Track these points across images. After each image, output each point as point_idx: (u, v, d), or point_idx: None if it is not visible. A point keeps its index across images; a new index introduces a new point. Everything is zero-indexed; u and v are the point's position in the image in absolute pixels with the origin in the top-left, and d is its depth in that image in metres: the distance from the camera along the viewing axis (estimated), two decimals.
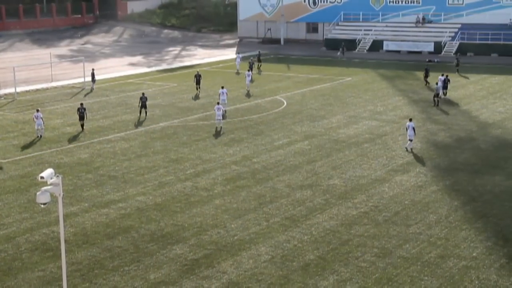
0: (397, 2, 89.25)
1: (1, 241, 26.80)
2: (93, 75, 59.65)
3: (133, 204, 30.75)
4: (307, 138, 42.32)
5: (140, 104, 48.88)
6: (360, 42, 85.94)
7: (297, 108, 51.25)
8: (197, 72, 61.24)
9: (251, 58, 73.46)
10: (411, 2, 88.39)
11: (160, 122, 47.11)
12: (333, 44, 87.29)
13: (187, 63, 79.46)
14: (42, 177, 17.34)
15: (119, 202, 31.03)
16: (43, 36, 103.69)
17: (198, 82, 59.07)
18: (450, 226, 27.88)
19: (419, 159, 37.48)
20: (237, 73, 69.74)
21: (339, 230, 27.58)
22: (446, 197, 31.43)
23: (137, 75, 69.65)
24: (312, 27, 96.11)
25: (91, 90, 59.43)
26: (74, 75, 67.38)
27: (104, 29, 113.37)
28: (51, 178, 17.52)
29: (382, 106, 51.63)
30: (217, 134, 43.49)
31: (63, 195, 18.88)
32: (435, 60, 75.42)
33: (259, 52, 74.75)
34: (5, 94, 58.29)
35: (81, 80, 62.91)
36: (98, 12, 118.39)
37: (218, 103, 45.80)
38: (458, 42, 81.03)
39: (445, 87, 54.34)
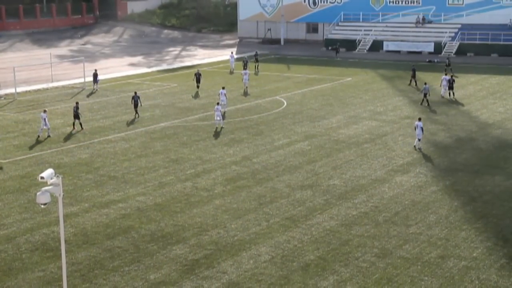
0: (397, 2, 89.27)
1: (1, 241, 26.80)
2: (95, 76, 59.53)
3: (133, 204, 30.76)
4: (307, 138, 42.33)
5: (133, 103, 49.22)
6: (360, 42, 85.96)
7: (297, 108, 51.26)
8: (198, 70, 61.85)
9: (245, 57, 73.58)
10: (411, 3, 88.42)
11: (160, 122, 47.12)
12: (333, 45, 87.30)
13: (187, 63, 79.47)
14: (42, 177, 17.34)
15: (119, 202, 31.03)
16: (43, 36, 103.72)
17: (198, 81, 59.72)
18: (450, 226, 27.89)
19: (419, 160, 37.49)
20: (231, 72, 70.12)
21: (339, 230, 27.59)
22: (446, 197, 31.43)
23: (137, 75, 69.66)
24: (312, 27, 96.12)
25: (95, 90, 59.34)
26: (74, 76, 67.40)
27: (104, 29, 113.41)
28: (51, 178, 17.52)
29: (382, 107, 51.64)
30: (217, 134, 43.50)
31: (63, 195, 18.89)
32: (435, 61, 75.42)
33: (256, 52, 74.59)
34: (5, 94, 58.30)
35: (81, 80, 62.91)
36: (98, 12, 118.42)
37: (218, 104, 45.85)
38: (458, 43, 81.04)
39: (450, 87, 54.36)
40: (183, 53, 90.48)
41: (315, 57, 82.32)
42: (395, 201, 30.91)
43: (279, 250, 25.72)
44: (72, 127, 44.87)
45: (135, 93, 50.03)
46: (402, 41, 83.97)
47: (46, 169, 20.16)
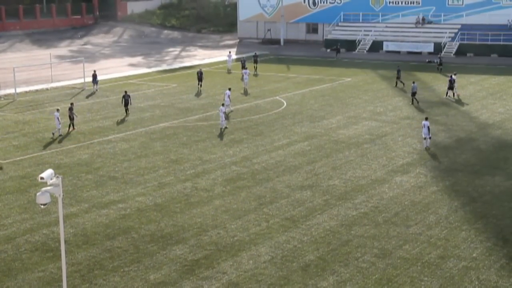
0: (397, 2, 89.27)
1: (1, 241, 26.80)
2: (94, 76, 59.52)
3: (133, 205, 30.76)
4: (307, 138, 42.33)
5: (123, 102, 49.59)
6: (360, 42, 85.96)
7: (297, 109, 51.27)
8: (200, 69, 62.35)
9: (243, 57, 73.60)
10: (411, 3, 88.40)
11: (160, 123, 47.13)
12: (333, 45, 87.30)
13: (187, 63, 79.47)
14: (42, 178, 17.35)
15: (119, 203, 31.03)
16: (43, 37, 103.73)
17: (200, 79, 60.36)
18: (450, 226, 27.89)
19: (419, 160, 37.49)
20: (228, 71, 70.44)
21: (339, 230, 27.59)
22: (446, 197, 31.44)
23: (137, 76, 69.67)
24: (312, 28, 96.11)
25: (95, 91, 59.31)
26: (74, 76, 67.42)
27: (104, 29, 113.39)
28: (51, 179, 17.53)
29: (382, 107, 51.64)
30: (217, 135, 43.48)
31: (63, 195, 18.89)
32: (435, 61, 75.37)
33: (255, 53, 74.49)
34: (5, 95, 58.30)
35: (81, 80, 62.92)
36: (98, 13, 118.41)
37: (222, 105, 45.93)
38: (458, 43, 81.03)
39: (451, 87, 54.41)
40: (183, 53, 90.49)
41: (315, 57, 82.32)
42: (395, 201, 30.91)
43: (279, 250, 25.72)
44: (68, 129, 44.75)
45: (126, 92, 50.51)
46: (402, 41, 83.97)
47: (46, 169, 20.16)
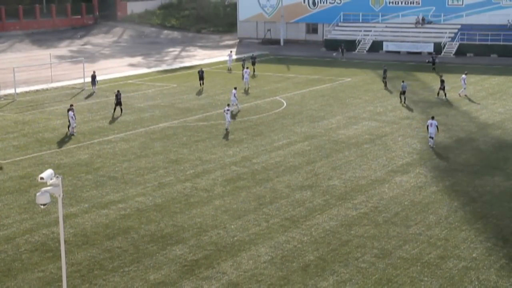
0: (396, 2, 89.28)
1: (1, 242, 26.80)
2: (93, 77, 59.47)
3: (133, 205, 30.76)
4: (307, 138, 42.33)
5: (115, 101, 49.97)
6: (359, 42, 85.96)
7: (296, 109, 51.27)
8: (201, 68, 63.06)
9: (243, 57, 73.54)
10: (410, 3, 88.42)
11: (160, 123, 47.13)
12: (332, 45, 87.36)
13: (187, 63, 79.47)
14: (42, 178, 17.35)
15: (119, 203, 31.03)
16: (43, 37, 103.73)
17: (201, 78, 61.06)
18: (450, 227, 27.89)
19: (418, 160, 37.49)
20: (229, 71, 70.91)
21: (339, 230, 27.59)
22: (446, 198, 31.44)
23: (137, 76, 69.66)
24: (312, 28, 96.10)
25: (93, 92, 59.30)
26: (74, 76, 67.42)
27: (104, 29, 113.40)
28: (51, 179, 17.52)
29: (381, 107, 51.65)
30: (220, 135, 43.48)
31: (63, 196, 18.88)
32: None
33: (252, 55, 74.06)
34: (5, 95, 58.29)
35: (81, 81, 62.92)
36: (97, 13, 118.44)
37: (228, 105, 45.91)
38: (457, 43, 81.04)
39: (442, 87, 54.56)
40: (183, 53, 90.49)
41: (315, 57, 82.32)
42: (395, 201, 30.91)
43: (278, 250, 25.72)
44: (68, 130, 44.68)
45: (118, 91, 50.76)
46: (402, 41, 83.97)
47: (45, 169, 20.15)
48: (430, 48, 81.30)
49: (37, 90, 61.05)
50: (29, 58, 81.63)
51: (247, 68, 63.68)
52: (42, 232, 27.63)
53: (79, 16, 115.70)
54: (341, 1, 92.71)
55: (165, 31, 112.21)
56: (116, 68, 75.29)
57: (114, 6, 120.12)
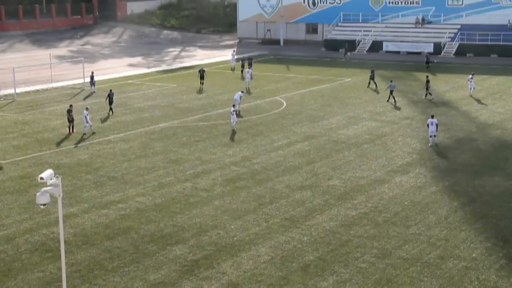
0: (396, 3, 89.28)
1: (1, 242, 26.79)
2: (92, 78, 59.44)
3: (133, 205, 30.76)
4: (306, 139, 42.33)
5: (107, 100, 50.31)
6: (359, 43, 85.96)
7: (296, 109, 51.27)
8: (202, 68, 63.30)
9: (243, 57, 73.51)
10: (410, 3, 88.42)
11: (160, 123, 47.13)
12: (332, 45, 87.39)
13: (186, 64, 79.47)
14: (41, 178, 17.35)
15: (118, 203, 31.03)
16: (43, 37, 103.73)
17: (202, 77, 61.27)
18: (449, 227, 27.89)
19: (418, 160, 37.49)
20: (232, 70, 71.30)
21: (339, 231, 27.59)
22: (445, 198, 31.44)
23: (137, 76, 69.66)
24: (312, 28, 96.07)
25: (92, 93, 59.28)
26: (74, 76, 67.40)
27: (103, 30, 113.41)
28: (51, 179, 17.53)
29: (381, 107, 51.65)
30: (216, 135, 43.51)
31: (63, 196, 18.88)
32: (435, 61, 75.42)
33: (249, 56, 73.69)
34: (5, 95, 58.29)
35: (81, 81, 62.92)
36: (97, 13, 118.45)
37: (233, 105, 45.89)
38: (457, 43, 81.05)
39: (426, 87, 54.76)
40: (183, 53, 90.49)
41: (314, 57, 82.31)
42: (395, 201, 30.91)
43: (278, 250, 25.72)
44: (68, 131, 44.62)
45: (110, 90, 51.06)
46: (401, 41, 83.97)
47: (45, 169, 20.15)
48: (430, 48, 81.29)
49: (37, 90, 61.05)
50: (29, 58, 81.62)
51: (248, 68, 63.64)
52: (42, 232, 27.63)
53: (79, 16, 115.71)
54: (341, 1, 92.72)
55: (165, 31, 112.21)
56: (116, 68, 75.29)
57: (114, 6, 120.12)
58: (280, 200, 31.18)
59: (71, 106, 45.46)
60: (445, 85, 61.21)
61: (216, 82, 63.80)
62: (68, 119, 44.28)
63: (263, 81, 64.32)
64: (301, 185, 33.28)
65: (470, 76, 55.69)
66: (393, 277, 23.49)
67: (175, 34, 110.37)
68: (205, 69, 64.00)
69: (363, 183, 33.60)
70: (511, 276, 23.48)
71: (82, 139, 42.78)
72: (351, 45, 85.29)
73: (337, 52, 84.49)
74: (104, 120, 48.04)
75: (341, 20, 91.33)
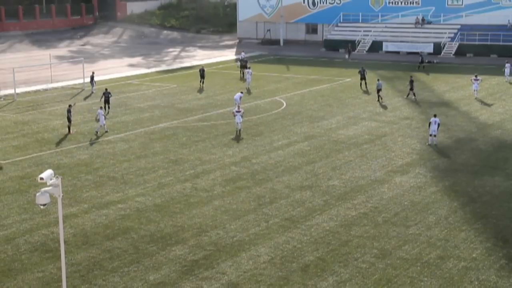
0: (396, 3, 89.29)
1: (1, 242, 26.80)
2: (92, 78, 59.44)
3: (133, 205, 30.76)
4: (306, 139, 42.33)
5: (103, 99, 50.49)
6: (359, 43, 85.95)
7: (296, 109, 51.27)
8: (202, 67, 63.56)
9: (241, 58, 73.56)
10: (410, 3, 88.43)
11: (160, 123, 47.13)
12: (332, 45, 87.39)
13: (186, 64, 79.47)
14: (41, 178, 17.36)
15: (118, 203, 31.03)
16: (43, 37, 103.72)
17: (202, 76, 61.50)
18: (449, 227, 27.89)
19: (418, 160, 37.49)
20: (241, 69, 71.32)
21: (339, 231, 27.59)
22: (445, 198, 31.44)
23: (137, 76, 69.66)
24: (312, 28, 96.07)
25: (92, 92, 59.30)
26: (74, 76, 67.39)
27: (103, 30, 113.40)
28: (51, 179, 17.53)
29: (381, 107, 51.65)
30: (216, 135, 43.51)
31: (63, 196, 18.89)
32: (434, 61, 75.47)
33: (245, 58, 73.65)
34: (5, 95, 58.28)
35: (81, 81, 62.93)
36: (97, 13, 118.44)
37: (238, 106, 45.84)
38: (457, 43, 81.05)
39: (411, 88, 54.88)
40: (183, 53, 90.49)
41: (314, 58, 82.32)
42: (395, 201, 30.92)
43: (278, 250, 25.72)
44: (67, 131, 44.62)
45: (106, 89, 51.23)
46: (401, 41, 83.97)
47: (45, 170, 20.15)
48: (429, 48, 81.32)
49: (36, 91, 61.05)
50: (29, 58, 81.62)
51: (248, 68, 63.66)
52: (42, 233, 27.63)
53: (79, 17, 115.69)
54: (340, 1, 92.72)
55: (165, 32, 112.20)
56: (115, 69, 75.29)
57: (114, 7, 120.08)
58: (280, 200, 31.18)
59: (70, 106, 45.43)
60: (445, 85, 61.22)
61: (216, 82, 63.80)
62: (68, 118, 44.24)
63: (263, 81, 64.32)
64: (301, 185, 33.28)
65: (474, 77, 55.63)
66: (393, 277, 23.49)
67: (175, 34, 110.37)
68: (205, 68, 64.00)
69: (363, 183, 33.60)
70: (511, 276, 23.49)
71: (81, 140, 42.78)
72: (351, 45, 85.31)
73: (337, 52, 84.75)
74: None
75: (341, 20, 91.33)
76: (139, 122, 47.50)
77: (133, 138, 42.99)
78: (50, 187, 17.67)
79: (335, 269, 24.10)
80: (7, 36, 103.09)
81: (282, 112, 50.52)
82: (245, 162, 37.32)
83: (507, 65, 62.45)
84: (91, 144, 41.72)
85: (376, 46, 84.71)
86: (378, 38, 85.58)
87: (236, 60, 70.22)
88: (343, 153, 39.04)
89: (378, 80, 55.25)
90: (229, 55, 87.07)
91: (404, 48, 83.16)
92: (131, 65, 78.13)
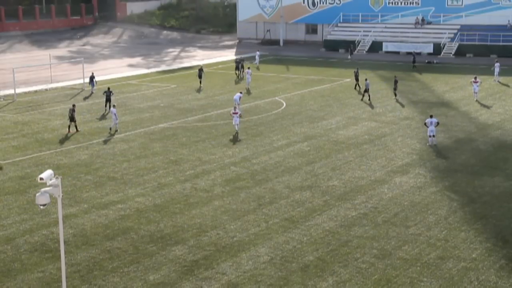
0: (396, 3, 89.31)
1: (1, 242, 26.79)
2: (91, 78, 59.40)
3: (133, 205, 30.75)
4: (306, 139, 42.33)
5: (104, 97, 50.82)
6: (359, 43, 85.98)
7: (296, 109, 51.27)
8: (201, 67, 63.79)
9: (239, 59, 73.44)
10: (410, 3, 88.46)
11: (160, 123, 47.13)
12: (332, 45, 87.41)
13: (186, 64, 79.48)
14: (41, 178, 17.36)
15: (118, 203, 31.03)
16: (43, 37, 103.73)
17: (200, 76, 61.69)
18: (449, 227, 27.89)
19: (418, 160, 37.49)
20: (257, 68, 72.14)
21: (339, 231, 27.59)
22: (445, 198, 31.44)
23: (136, 76, 69.66)
24: (312, 28, 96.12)
25: (92, 92, 59.30)
26: (74, 76, 67.41)
27: (103, 30, 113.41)
28: (51, 179, 17.53)
29: (381, 107, 51.66)
30: (216, 136, 43.51)
31: (63, 196, 18.89)
32: (434, 61, 75.49)
33: (242, 58, 73.04)
34: (5, 95, 58.29)
35: (81, 81, 62.93)
36: (97, 13, 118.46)
37: (234, 107, 45.83)
38: (457, 43, 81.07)
39: (395, 88, 55.00)
40: (182, 54, 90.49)
41: (314, 58, 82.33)
42: (394, 202, 30.91)
43: (278, 251, 25.72)
44: (67, 130, 44.60)
45: (108, 88, 51.47)
46: (401, 42, 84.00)
47: (45, 170, 20.15)
48: (429, 48, 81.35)
49: (36, 91, 61.05)
50: (29, 58, 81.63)
51: (248, 68, 63.68)
52: (42, 233, 27.63)
53: (79, 17, 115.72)
54: (340, 2, 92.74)
55: (165, 32, 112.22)
56: (115, 69, 75.29)
57: (114, 7, 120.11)
58: (279, 201, 31.18)
59: (73, 105, 45.36)
60: (445, 85, 61.23)
61: (216, 83, 63.80)
62: (70, 118, 44.14)
63: (262, 82, 64.33)
64: (301, 186, 33.28)
65: (473, 79, 55.57)
66: (393, 277, 23.49)
67: (175, 34, 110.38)
68: (204, 68, 63.99)
69: (363, 183, 33.60)
70: (511, 277, 23.49)
71: (80, 140, 42.79)
72: (352, 45, 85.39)
73: (337, 52, 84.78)
74: (101, 117, 48.00)
75: (341, 21, 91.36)
76: (139, 122, 47.50)
77: (133, 138, 42.99)
78: (50, 187, 17.67)
79: (335, 269, 24.10)
80: (7, 36, 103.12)
81: (282, 112, 50.52)
82: (245, 162, 37.33)
83: (497, 64, 62.50)
84: (91, 144, 41.66)
85: (376, 46, 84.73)
86: (378, 38, 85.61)
87: (240, 61, 70.06)
88: (343, 153, 39.05)
89: (366, 79, 55.45)
90: (229, 55, 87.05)
91: (404, 48, 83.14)
92: (131, 66, 78.14)
